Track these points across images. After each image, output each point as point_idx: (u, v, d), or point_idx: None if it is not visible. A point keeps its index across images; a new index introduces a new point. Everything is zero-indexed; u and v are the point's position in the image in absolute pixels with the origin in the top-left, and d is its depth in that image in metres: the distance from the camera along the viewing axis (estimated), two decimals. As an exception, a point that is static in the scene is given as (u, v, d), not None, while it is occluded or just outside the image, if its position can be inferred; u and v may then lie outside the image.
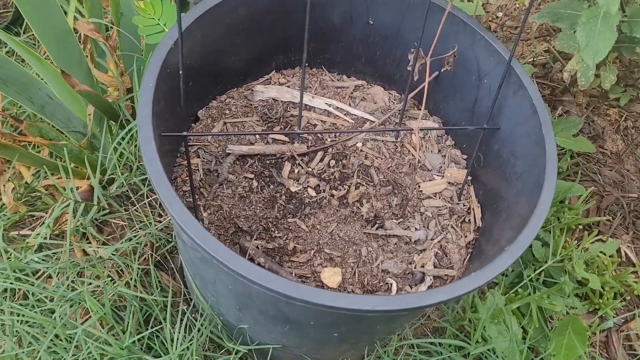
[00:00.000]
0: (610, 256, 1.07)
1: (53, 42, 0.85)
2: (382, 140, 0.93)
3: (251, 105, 0.93)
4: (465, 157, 0.94)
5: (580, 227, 1.14)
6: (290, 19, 0.89)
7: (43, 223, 0.97)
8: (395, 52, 0.95)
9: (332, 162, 0.89)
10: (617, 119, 1.37)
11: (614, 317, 1.03)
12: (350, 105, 0.97)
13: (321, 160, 0.89)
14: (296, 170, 0.88)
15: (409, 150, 0.93)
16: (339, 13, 0.91)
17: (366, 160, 0.89)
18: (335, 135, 0.92)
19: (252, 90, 0.95)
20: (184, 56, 0.66)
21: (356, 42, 0.96)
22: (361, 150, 0.91)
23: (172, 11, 0.90)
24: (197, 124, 0.90)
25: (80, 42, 0.93)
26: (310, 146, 0.90)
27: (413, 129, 0.83)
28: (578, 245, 1.08)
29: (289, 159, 0.88)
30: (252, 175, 0.86)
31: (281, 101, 0.94)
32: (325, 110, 0.95)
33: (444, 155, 0.93)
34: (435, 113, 0.99)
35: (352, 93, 0.99)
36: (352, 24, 0.93)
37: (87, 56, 0.95)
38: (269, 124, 0.92)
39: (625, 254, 1.13)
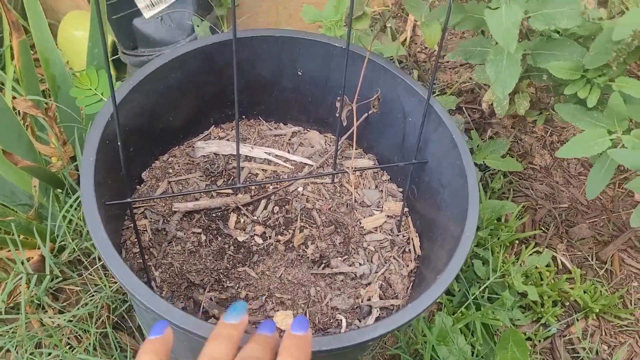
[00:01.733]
0: (547, 266, 1.15)
1: (-8, 121, 0.87)
2: (322, 183, 0.98)
3: (193, 161, 0.97)
4: (401, 190, 1.00)
5: (517, 241, 1.22)
6: (222, 76, 0.94)
7: (-4, 298, 0.98)
8: (327, 98, 1.01)
9: (276, 208, 0.93)
10: (543, 135, 1.47)
11: (555, 323, 1.09)
12: (289, 151, 1.02)
13: (265, 207, 0.94)
14: (242, 220, 0.92)
15: (347, 189, 0.98)
16: (268, 67, 0.97)
17: (307, 203, 0.94)
18: (276, 183, 0.96)
19: (193, 147, 0.99)
20: (121, 125, 0.70)
21: (288, 92, 1.02)
22: (302, 194, 0.96)
23: (108, 80, 0.94)
24: (141, 185, 0.93)
25: (19, 118, 0.95)
26: (254, 195, 0.94)
27: (347, 171, 0.89)
28: (517, 259, 1.15)
29: (234, 210, 0.92)
30: (199, 230, 0.89)
31: (222, 155, 0.99)
32: (265, 159, 0.99)
33: (381, 190, 0.99)
34: (370, 151, 1.05)
35: (289, 140, 1.04)
36: (282, 76, 0.99)
37: (27, 129, 0.98)
38: (212, 178, 0.96)
39: (562, 262, 1.21)
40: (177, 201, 0.90)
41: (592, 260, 1.23)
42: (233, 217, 0.91)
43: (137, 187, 0.93)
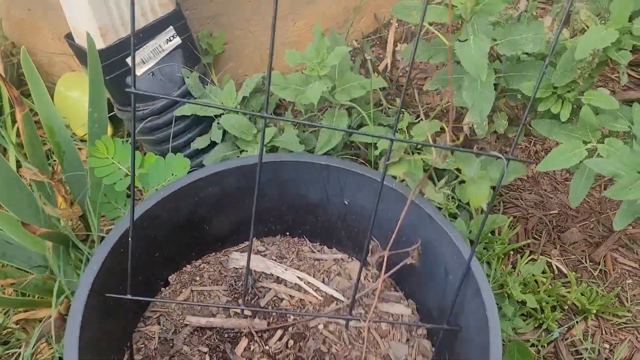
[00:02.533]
0: (542, 273, 1.20)
1: (4, 191, 0.92)
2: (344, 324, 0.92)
3: (222, 273, 0.96)
4: (434, 349, 0.89)
5: (512, 252, 1.26)
6: (262, 193, 0.93)
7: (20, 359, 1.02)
8: (373, 232, 0.96)
9: (291, 342, 0.89)
10: (527, 146, 1.53)
11: (557, 328, 1.14)
12: (323, 280, 0.98)
13: (280, 339, 0.90)
14: (252, 348, 0.88)
15: (374, 337, 0.90)
16: (315, 191, 0.95)
17: (324, 345, 0.89)
18: (292, 315, 0.91)
19: (229, 257, 0.98)
20: (145, 231, 0.70)
21: (334, 218, 0.99)
22: (321, 333, 0.90)
23: (124, 150, 0.93)
24: (166, 288, 0.93)
25: (28, 185, 1.00)
26: (271, 322, 0.90)
27: (360, 319, 0.84)
28: (514, 269, 1.20)
29: (247, 334, 0.89)
30: (206, 349, 0.86)
31: (254, 270, 0.96)
32: (296, 284, 0.96)
33: (412, 346, 0.90)
34: (412, 296, 0.99)
35: (329, 267, 1.00)
36: (328, 202, 0.97)
37: (38, 196, 1.02)
38: (236, 295, 0.93)
39: (557, 267, 1.26)
40: (190, 314, 0.89)
41: (585, 262, 1.27)
42: (244, 343, 0.88)
43: (162, 289, 0.93)
